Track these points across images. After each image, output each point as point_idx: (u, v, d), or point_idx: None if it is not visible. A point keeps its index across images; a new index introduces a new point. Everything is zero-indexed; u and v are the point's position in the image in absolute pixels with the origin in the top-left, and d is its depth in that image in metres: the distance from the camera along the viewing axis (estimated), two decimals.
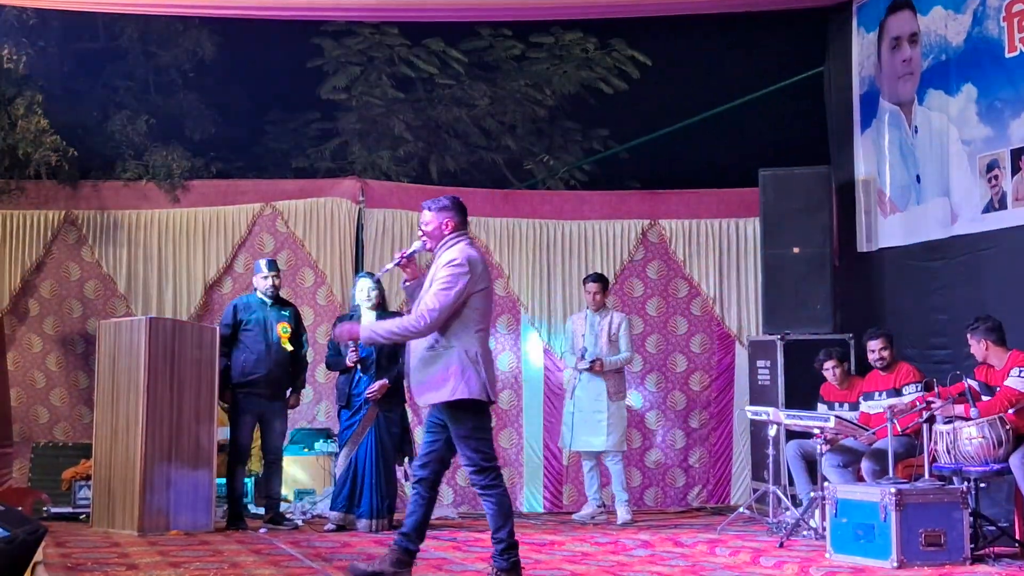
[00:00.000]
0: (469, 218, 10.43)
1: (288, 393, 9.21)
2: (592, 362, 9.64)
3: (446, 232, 6.36)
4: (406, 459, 9.03)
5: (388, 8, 10.61)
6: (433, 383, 6.22)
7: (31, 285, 10.50)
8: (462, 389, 6.15)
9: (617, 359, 9.76)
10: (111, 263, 10.54)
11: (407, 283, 6.51)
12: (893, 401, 8.32)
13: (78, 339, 10.51)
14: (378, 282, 9.04)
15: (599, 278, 10.01)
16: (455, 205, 6.42)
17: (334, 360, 9.08)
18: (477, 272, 6.27)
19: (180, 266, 10.59)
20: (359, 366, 8.81)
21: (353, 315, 8.96)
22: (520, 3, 10.33)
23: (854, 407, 8.83)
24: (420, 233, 6.44)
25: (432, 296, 6.17)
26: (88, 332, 10.35)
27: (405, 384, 6.46)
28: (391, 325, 6.34)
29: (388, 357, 8.82)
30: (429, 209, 6.40)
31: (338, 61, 12.34)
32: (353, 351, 8.77)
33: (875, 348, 8.69)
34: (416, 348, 6.29)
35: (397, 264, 6.45)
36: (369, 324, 6.20)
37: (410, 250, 6.49)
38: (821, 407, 9.06)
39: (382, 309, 8.98)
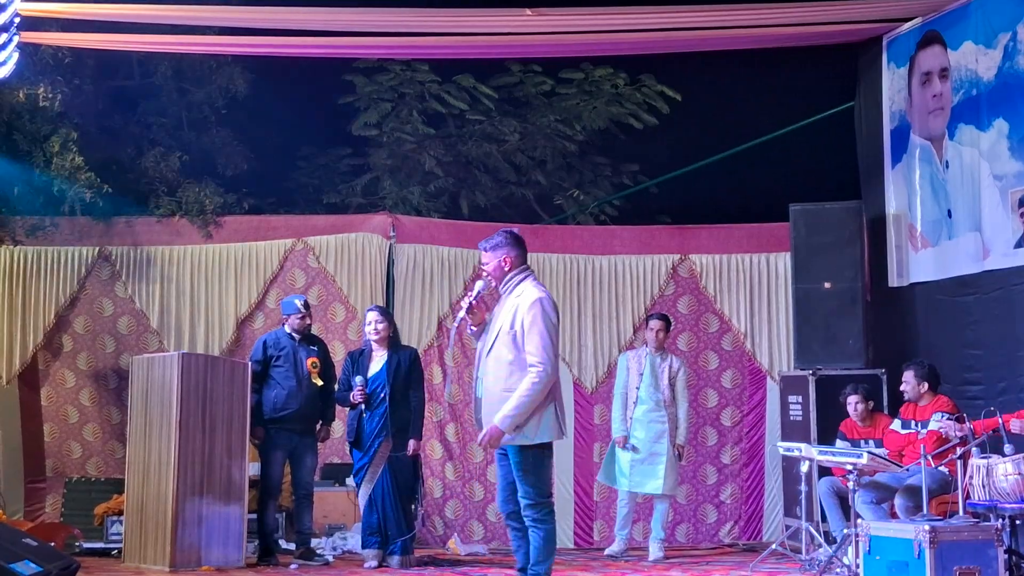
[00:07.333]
0: None
1: (319, 427, 9.23)
2: (680, 451, 9.67)
3: (506, 268, 6.33)
4: (413, 506, 8.90)
5: (419, 45, 10.68)
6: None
7: (65, 321, 10.58)
8: (540, 433, 6.17)
9: (685, 424, 9.70)
10: (144, 299, 10.60)
11: (474, 330, 6.42)
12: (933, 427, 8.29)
13: (111, 374, 10.57)
14: (387, 314, 9.05)
15: (664, 317, 9.92)
16: (509, 240, 6.37)
17: (342, 396, 9.00)
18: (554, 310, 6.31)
19: (212, 301, 10.64)
20: (363, 404, 8.76)
21: (364, 350, 8.96)
22: (550, 40, 10.36)
23: (878, 444, 8.76)
24: (484, 273, 6.42)
25: (534, 342, 6.13)
26: (121, 367, 10.40)
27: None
28: (517, 400, 6.11)
29: (400, 395, 8.79)
30: (485, 250, 6.39)
31: (369, 97, 12.44)
32: (360, 389, 8.72)
33: (903, 379, 8.65)
34: (491, 390, 6.23)
35: (468, 311, 6.37)
36: (500, 414, 6.11)
37: (475, 292, 6.43)
38: (840, 443, 8.96)
39: (393, 344, 8.94)
